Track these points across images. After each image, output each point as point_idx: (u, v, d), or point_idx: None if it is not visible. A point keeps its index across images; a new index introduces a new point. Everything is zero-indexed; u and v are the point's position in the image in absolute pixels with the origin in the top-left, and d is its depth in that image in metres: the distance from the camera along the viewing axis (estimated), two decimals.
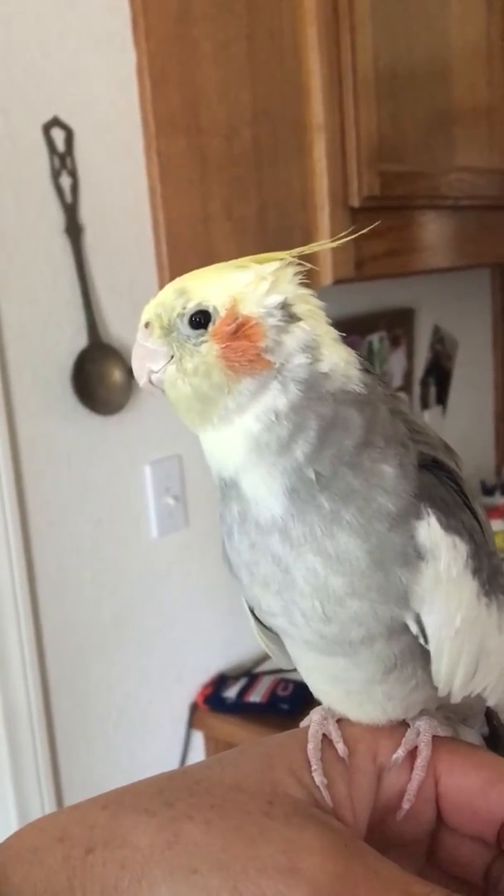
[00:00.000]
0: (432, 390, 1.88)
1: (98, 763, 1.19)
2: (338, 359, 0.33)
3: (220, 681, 1.31)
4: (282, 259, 0.34)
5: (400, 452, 0.33)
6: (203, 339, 0.33)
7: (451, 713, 0.38)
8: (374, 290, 1.60)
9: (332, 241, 0.35)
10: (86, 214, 1.11)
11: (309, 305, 0.33)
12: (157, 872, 0.29)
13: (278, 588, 0.33)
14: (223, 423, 0.33)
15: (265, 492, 0.32)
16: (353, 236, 0.35)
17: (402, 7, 1.16)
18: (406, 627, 0.33)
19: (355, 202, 1.07)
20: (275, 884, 0.28)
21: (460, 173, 1.26)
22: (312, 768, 0.33)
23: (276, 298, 0.33)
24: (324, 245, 0.35)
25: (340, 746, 0.34)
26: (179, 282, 0.34)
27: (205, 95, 1.12)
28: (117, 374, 1.16)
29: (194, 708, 1.30)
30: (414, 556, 0.32)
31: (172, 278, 1.20)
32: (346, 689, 0.36)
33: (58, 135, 1.08)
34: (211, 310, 0.33)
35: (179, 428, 1.23)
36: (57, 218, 1.09)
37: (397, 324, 1.74)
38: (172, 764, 1.27)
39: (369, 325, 1.65)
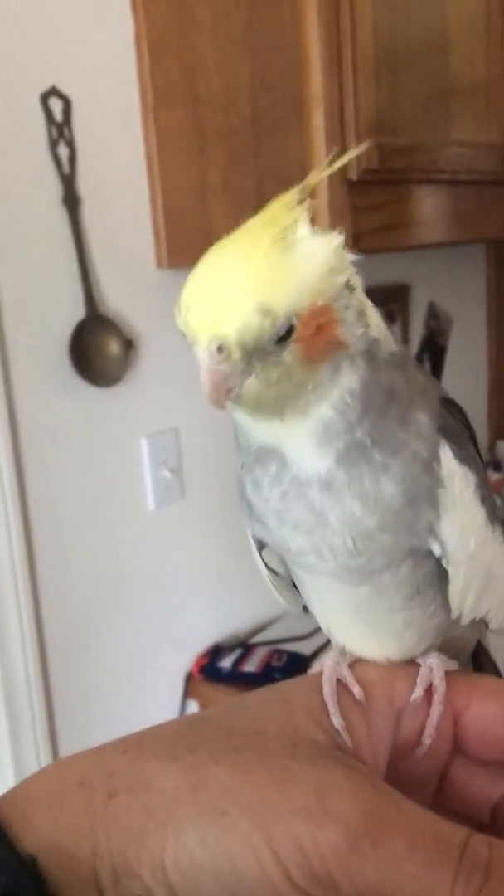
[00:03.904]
0: (426, 367, 1.89)
1: (95, 731, 1.20)
2: (378, 320, 0.34)
3: (216, 651, 1.33)
4: (292, 208, 0.31)
5: (428, 399, 0.34)
6: (287, 349, 0.31)
7: (444, 651, 0.39)
8: (370, 266, 1.59)
9: (329, 170, 0.33)
10: (83, 185, 1.11)
11: (351, 268, 0.32)
12: (184, 816, 0.28)
13: (308, 529, 0.34)
14: (298, 415, 0.32)
15: (314, 459, 0.33)
16: (345, 159, 0.33)
17: None
18: (427, 554, 0.35)
19: (353, 175, 1.06)
20: (306, 825, 0.28)
21: (458, 147, 1.26)
22: (330, 712, 0.33)
23: (342, 278, 0.32)
24: (321, 174, 0.33)
25: (357, 689, 0.35)
26: (249, 293, 0.30)
27: (203, 66, 1.11)
28: (114, 346, 1.16)
29: (189, 677, 1.31)
30: (437, 487, 0.34)
31: (170, 250, 1.19)
32: (366, 619, 0.37)
33: (55, 104, 1.08)
34: (295, 320, 0.30)
35: (176, 401, 1.23)
36: (55, 188, 1.09)
37: (393, 300, 1.74)
38: None
39: None
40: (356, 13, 1.06)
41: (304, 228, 0.31)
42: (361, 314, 0.33)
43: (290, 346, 0.31)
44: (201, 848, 0.28)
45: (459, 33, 1.28)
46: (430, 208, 1.24)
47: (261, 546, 0.39)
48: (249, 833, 0.28)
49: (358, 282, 0.33)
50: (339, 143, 1.08)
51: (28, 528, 1.10)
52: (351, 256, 0.32)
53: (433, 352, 1.90)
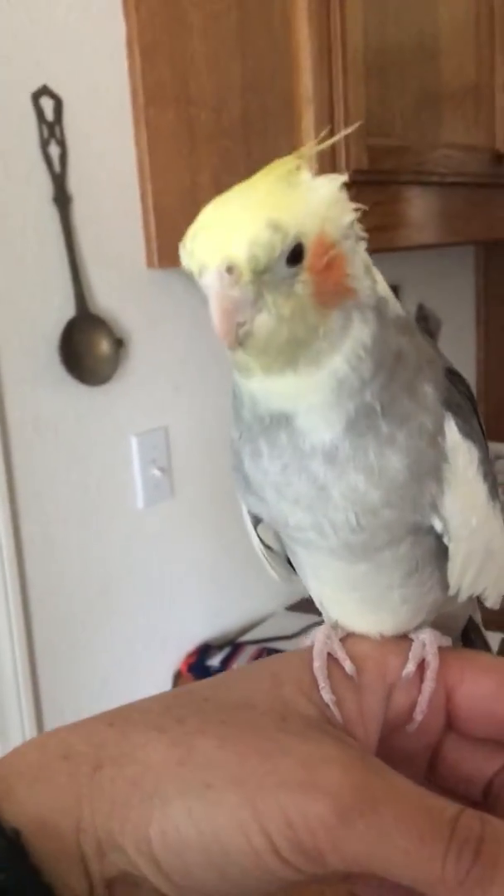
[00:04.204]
0: None
1: None
2: (382, 280, 0.33)
3: (204, 650, 1.33)
4: (296, 164, 0.30)
5: (434, 369, 0.34)
6: (298, 276, 0.29)
7: (437, 628, 0.38)
8: None
9: (322, 145, 0.32)
10: (74, 184, 1.11)
11: (354, 215, 0.31)
12: (170, 789, 0.28)
13: (309, 503, 0.33)
14: (310, 366, 0.31)
15: (323, 425, 0.32)
16: (338, 138, 0.33)
17: None
18: (428, 529, 0.34)
19: (343, 176, 1.07)
20: (294, 798, 0.27)
21: (447, 150, 1.27)
22: (320, 686, 0.33)
23: (347, 217, 0.30)
24: (315, 147, 0.32)
25: (348, 664, 0.34)
26: (258, 211, 0.29)
27: (194, 67, 1.12)
28: (105, 345, 1.16)
29: (178, 676, 1.31)
30: (441, 462, 0.33)
31: (160, 249, 1.20)
32: (362, 595, 0.36)
33: (47, 104, 1.08)
34: (305, 241, 0.29)
35: (166, 399, 1.23)
36: (45, 187, 1.09)
37: None
38: None
39: None
40: (346, 16, 1.07)
41: (305, 173, 0.30)
42: (368, 269, 0.32)
43: (301, 275, 0.29)
44: (187, 821, 0.27)
45: (449, 37, 1.29)
46: (419, 210, 1.25)
47: (256, 521, 0.39)
48: (236, 806, 0.27)
49: (363, 236, 0.32)
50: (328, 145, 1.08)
51: (17, 526, 1.10)
52: (353, 204, 0.32)
53: None
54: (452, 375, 0.35)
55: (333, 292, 0.30)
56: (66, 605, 1.17)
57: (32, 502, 1.11)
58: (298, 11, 1.05)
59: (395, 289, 1.76)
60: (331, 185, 0.30)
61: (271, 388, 0.32)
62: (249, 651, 1.31)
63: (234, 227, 0.29)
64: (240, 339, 0.29)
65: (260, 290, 0.29)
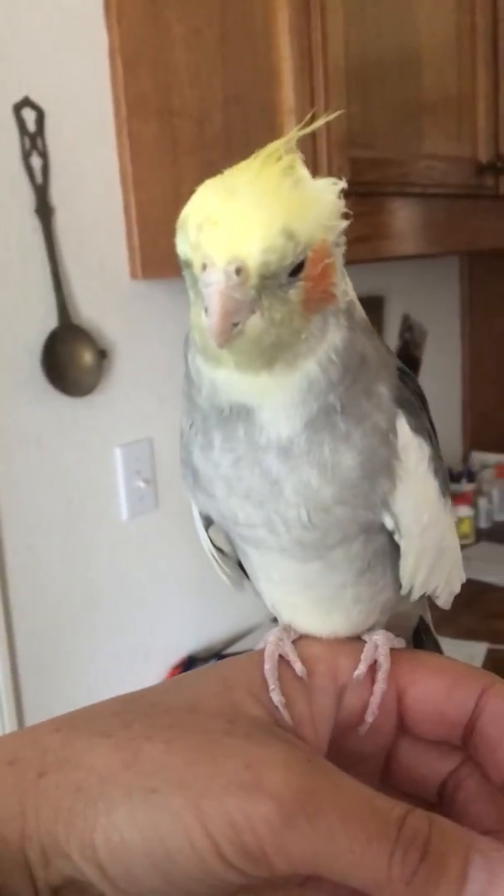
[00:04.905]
0: None
1: None
2: (349, 282, 0.33)
3: (190, 662, 1.32)
4: (286, 152, 0.29)
5: (388, 370, 0.34)
6: (295, 285, 0.29)
7: (388, 629, 0.38)
8: None
9: (307, 129, 0.31)
10: (56, 195, 1.11)
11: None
12: (115, 794, 0.27)
13: (261, 499, 0.32)
14: (287, 368, 0.31)
15: (284, 421, 0.31)
16: (321, 122, 0.32)
17: None
18: (380, 528, 0.34)
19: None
20: (238, 800, 0.27)
21: (430, 161, 1.28)
22: (270, 688, 0.33)
23: (343, 224, 0.30)
24: (300, 132, 0.31)
25: (298, 666, 0.34)
26: (274, 214, 0.28)
27: (177, 78, 1.12)
28: (88, 356, 1.16)
29: None
30: (393, 459, 0.33)
31: (143, 260, 1.19)
32: (316, 595, 0.36)
33: (28, 115, 1.08)
34: (309, 253, 0.29)
35: (150, 411, 1.23)
36: (27, 198, 1.09)
37: (367, 311, 1.75)
38: None
39: None
40: (327, 28, 1.08)
41: (302, 167, 0.30)
42: (343, 274, 0.32)
43: (298, 283, 0.29)
44: (131, 826, 0.27)
45: (431, 49, 1.30)
46: (402, 221, 1.25)
47: (208, 523, 0.38)
48: (180, 810, 0.27)
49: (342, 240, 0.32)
50: (310, 156, 1.09)
51: (0, 538, 1.09)
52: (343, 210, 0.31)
53: (408, 363, 1.91)
54: (403, 375, 0.35)
55: (320, 299, 0.30)
56: (50, 617, 1.16)
57: (15, 514, 1.11)
58: (279, 24, 1.06)
59: (380, 299, 1.77)
60: (333, 192, 0.30)
61: (238, 380, 0.31)
62: None
63: (247, 228, 0.28)
64: (233, 337, 0.29)
65: (260, 293, 0.29)
